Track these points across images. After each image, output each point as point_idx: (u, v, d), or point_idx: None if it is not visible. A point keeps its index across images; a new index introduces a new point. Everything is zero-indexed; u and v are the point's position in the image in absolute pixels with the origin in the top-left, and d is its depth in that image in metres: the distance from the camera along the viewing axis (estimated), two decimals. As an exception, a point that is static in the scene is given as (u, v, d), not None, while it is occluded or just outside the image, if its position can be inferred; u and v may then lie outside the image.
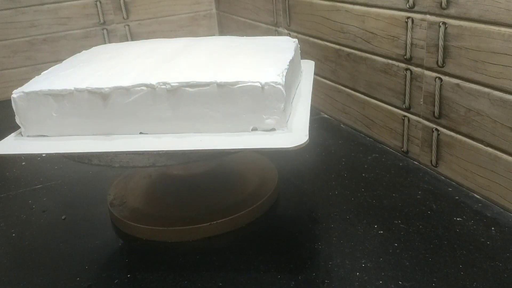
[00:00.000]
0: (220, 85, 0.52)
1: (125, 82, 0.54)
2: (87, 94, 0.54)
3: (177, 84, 0.53)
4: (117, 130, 0.55)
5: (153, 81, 0.53)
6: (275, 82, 0.52)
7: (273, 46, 0.67)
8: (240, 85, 0.52)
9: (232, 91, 0.52)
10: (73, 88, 0.54)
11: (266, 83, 0.51)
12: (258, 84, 0.52)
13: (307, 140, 0.51)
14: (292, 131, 0.54)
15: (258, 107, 0.53)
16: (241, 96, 0.52)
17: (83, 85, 0.55)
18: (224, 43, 0.70)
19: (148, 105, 0.54)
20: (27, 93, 0.56)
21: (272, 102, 0.52)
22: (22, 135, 0.58)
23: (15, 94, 0.56)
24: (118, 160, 0.55)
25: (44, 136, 0.57)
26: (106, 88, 0.54)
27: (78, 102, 0.55)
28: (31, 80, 0.60)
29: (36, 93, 0.55)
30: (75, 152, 0.53)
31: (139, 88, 0.53)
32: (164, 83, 0.53)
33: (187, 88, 0.53)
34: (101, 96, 0.54)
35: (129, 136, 0.55)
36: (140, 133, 0.55)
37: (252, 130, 0.54)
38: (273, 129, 0.54)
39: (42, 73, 0.63)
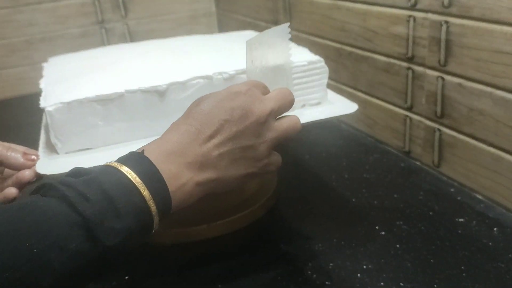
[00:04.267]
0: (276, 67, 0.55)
1: (181, 76, 0.53)
2: (140, 94, 0.52)
3: (234, 72, 0.54)
4: None
5: (209, 72, 0.53)
6: (319, 60, 0.58)
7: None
8: (292, 65, 0.55)
9: (285, 72, 0.55)
10: (123, 90, 0.51)
11: (312, 62, 0.58)
12: (305, 63, 0.57)
13: (357, 107, 0.58)
14: (335, 102, 0.60)
15: (306, 84, 0.58)
16: (293, 76, 0.56)
17: (134, 85, 0.51)
18: (210, 40, 0.72)
19: None
20: (69, 103, 0.50)
21: (317, 78, 0.59)
22: (58, 153, 0.52)
23: (51, 107, 0.50)
24: None
25: (88, 149, 0.52)
26: (163, 84, 0.52)
27: (129, 104, 0.52)
28: (44, 91, 0.54)
29: (80, 101, 0.50)
30: None
31: (195, 81, 0.53)
32: (221, 73, 0.54)
33: (243, 75, 0.54)
34: (157, 94, 0.52)
35: None
36: None
37: (301, 107, 0.59)
38: (318, 103, 0.60)
39: (43, 82, 0.58)
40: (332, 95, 0.62)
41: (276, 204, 0.68)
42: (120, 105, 0.52)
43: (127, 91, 0.51)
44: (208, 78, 0.53)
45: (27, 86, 1.29)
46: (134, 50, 0.70)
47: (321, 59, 0.59)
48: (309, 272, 0.55)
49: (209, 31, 1.44)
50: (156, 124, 0.53)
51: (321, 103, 0.60)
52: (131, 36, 1.37)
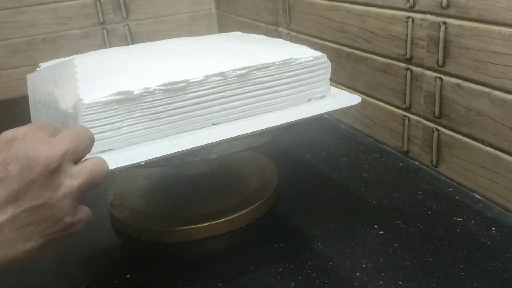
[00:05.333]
0: (284, 63, 0.59)
1: (197, 74, 0.54)
2: (160, 93, 0.52)
3: (246, 69, 0.56)
4: (189, 127, 0.55)
5: (223, 69, 0.55)
6: (322, 55, 0.61)
7: (250, 38, 0.75)
8: (299, 61, 0.59)
9: (292, 68, 0.59)
10: (143, 89, 0.51)
11: (316, 57, 0.61)
12: (311, 58, 0.60)
13: (360, 99, 0.62)
14: (337, 95, 0.64)
15: (312, 79, 0.61)
16: (299, 71, 0.60)
17: (153, 84, 0.51)
18: (207, 41, 0.74)
19: (219, 95, 0.56)
20: (88, 104, 0.49)
21: (322, 73, 0.62)
22: None
23: (71, 109, 0.48)
24: (216, 151, 0.56)
25: (110, 150, 0.51)
26: (181, 83, 0.52)
27: (149, 103, 0.52)
28: (58, 94, 0.53)
29: (102, 102, 0.49)
30: (171, 154, 0.50)
31: (211, 79, 0.54)
32: (234, 70, 0.55)
33: (254, 72, 0.57)
34: (174, 93, 0.53)
35: (209, 128, 0.56)
36: (213, 124, 0.56)
37: (308, 101, 0.62)
38: (322, 97, 0.63)
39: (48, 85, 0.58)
40: (334, 89, 0.65)
41: (276, 203, 0.69)
42: (139, 104, 0.51)
43: (146, 90, 0.51)
44: (222, 75, 0.55)
45: (28, 86, 1.29)
46: (140, 51, 0.71)
47: (324, 54, 0.61)
48: (309, 271, 0.55)
49: (209, 32, 1.45)
50: (175, 122, 0.54)
51: (325, 97, 0.63)
52: (132, 37, 1.38)
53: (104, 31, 1.35)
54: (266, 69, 0.58)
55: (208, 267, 0.57)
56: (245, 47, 0.66)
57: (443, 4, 0.65)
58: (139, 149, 0.52)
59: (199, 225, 0.62)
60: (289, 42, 0.70)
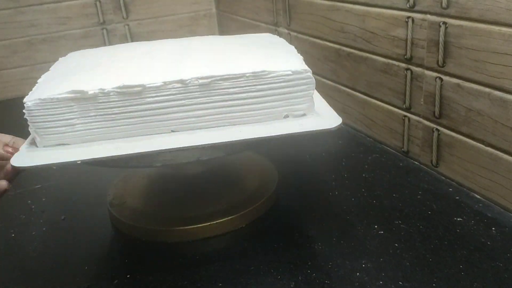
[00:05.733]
0: (254, 76, 0.53)
1: (155, 79, 0.52)
2: (115, 95, 0.52)
3: (210, 78, 0.53)
4: (146, 131, 0.54)
5: (184, 76, 0.52)
6: (305, 70, 0.55)
7: (266, 42, 0.69)
8: (273, 74, 0.54)
9: (264, 81, 0.54)
10: (98, 90, 0.51)
11: (297, 71, 0.54)
12: (289, 72, 0.54)
13: (341, 121, 0.55)
14: (321, 115, 0.57)
15: (290, 95, 0.55)
16: (273, 85, 0.55)
17: (109, 85, 0.51)
18: (213, 41, 0.71)
19: (179, 102, 0.53)
20: (44, 99, 0.51)
21: (302, 89, 0.55)
22: (37, 146, 0.53)
23: (30, 101, 0.51)
24: (161, 159, 0.54)
25: (65, 144, 0.53)
26: (137, 87, 0.52)
27: (104, 104, 0.52)
28: (36, 85, 0.56)
29: (56, 98, 0.51)
30: (112, 156, 0.50)
31: (170, 86, 0.52)
32: (197, 78, 0.52)
33: (220, 82, 0.53)
34: (130, 96, 0.52)
35: (166, 135, 0.54)
36: (172, 131, 0.54)
37: (284, 117, 0.56)
38: (303, 115, 0.57)
39: (42, 77, 0.59)
40: (322, 105, 0.60)
41: (276, 203, 0.69)
42: (96, 104, 0.52)
43: (102, 91, 0.51)
44: (182, 82, 0.53)
45: (28, 86, 1.28)
46: (128, 50, 0.69)
47: (309, 69, 0.55)
48: (309, 271, 0.55)
49: (209, 32, 1.45)
50: (131, 125, 0.53)
51: (306, 115, 0.57)
52: (132, 37, 1.38)
53: (104, 31, 1.35)
54: (234, 80, 0.53)
55: (208, 267, 0.57)
56: (233, 54, 0.62)
57: (443, 4, 0.65)
58: (88, 147, 0.53)
59: (199, 225, 0.62)
60: (292, 50, 0.65)
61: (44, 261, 0.62)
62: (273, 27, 1.12)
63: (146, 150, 0.51)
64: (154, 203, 0.69)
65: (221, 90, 0.53)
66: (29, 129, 0.53)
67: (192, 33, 1.42)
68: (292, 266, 0.56)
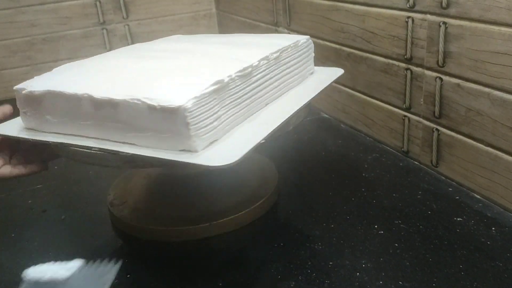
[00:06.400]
0: (295, 45, 0.59)
1: (255, 59, 0.56)
2: (238, 79, 0.54)
3: (277, 51, 0.58)
4: (255, 109, 0.58)
5: (263, 54, 0.57)
6: (307, 37, 0.61)
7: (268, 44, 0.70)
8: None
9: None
10: (227, 77, 0.52)
11: (307, 38, 0.61)
12: (305, 40, 0.60)
13: (343, 71, 0.66)
14: (324, 71, 0.67)
15: (309, 57, 0.63)
16: (299, 52, 0.61)
17: (232, 71, 0.53)
18: (235, 38, 0.73)
19: (269, 76, 0.58)
20: (198, 97, 0.48)
21: (311, 52, 0.62)
22: (196, 151, 0.49)
23: (188, 102, 0.46)
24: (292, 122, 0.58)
25: (214, 141, 0.51)
26: (248, 68, 0.55)
27: (232, 90, 0.54)
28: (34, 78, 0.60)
29: (207, 93, 0.49)
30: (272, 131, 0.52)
31: (261, 63, 0.56)
32: (271, 53, 0.57)
33: (282, 54, 0.59)
34: (245, 78, 0.56)
35: (267, 109, 0.58)
36: (266, 104, 0.59)
37: (311, 74, 0.65)
38: (312, 73, 0.66)
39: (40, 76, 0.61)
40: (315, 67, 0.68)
41: (276, 203, 0.69)
42: (227, 91, 0.53)
43: (230, 77, 0.52)
44: (267, 59, 0.57)
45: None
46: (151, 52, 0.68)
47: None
48: (309, 271, 0.55)
49: (209, 32, 1.45)
50: (248, 106, 0.56)
51: (313, 73, 0.67)
52: (132, 37, 1.38)
53: (104, 31, 1.35)
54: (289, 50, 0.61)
55: (208, 266, 0.58)
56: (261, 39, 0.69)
57: (443, 4, 0.65)
58: (238, 137, 0.52)
59: (199, 225, 0.62)
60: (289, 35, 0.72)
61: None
62: (273, 27, 1.12)
63: (282, 121, 0.54)
64: (154, 203, 0.69)
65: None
66: (176, 135, 0.48)
67: (192, 33, 1.42)
68: (292, 266, 0.56)
